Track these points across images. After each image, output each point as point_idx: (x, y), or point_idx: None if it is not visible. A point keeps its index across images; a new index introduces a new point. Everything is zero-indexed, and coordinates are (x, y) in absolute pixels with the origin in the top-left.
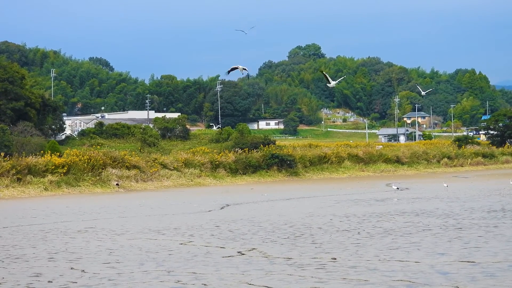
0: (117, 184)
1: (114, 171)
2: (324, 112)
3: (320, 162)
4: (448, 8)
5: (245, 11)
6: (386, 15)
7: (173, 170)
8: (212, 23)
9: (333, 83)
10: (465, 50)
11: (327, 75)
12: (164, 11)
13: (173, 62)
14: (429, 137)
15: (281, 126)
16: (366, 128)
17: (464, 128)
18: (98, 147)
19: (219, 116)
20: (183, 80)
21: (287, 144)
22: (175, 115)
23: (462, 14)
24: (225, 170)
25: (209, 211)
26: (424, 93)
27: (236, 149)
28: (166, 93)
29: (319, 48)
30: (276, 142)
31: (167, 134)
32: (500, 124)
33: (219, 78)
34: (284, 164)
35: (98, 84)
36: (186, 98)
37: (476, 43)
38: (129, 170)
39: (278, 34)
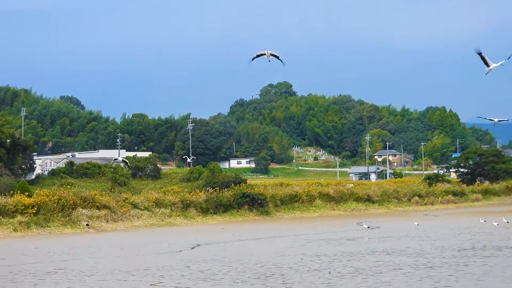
0: (87, 225)
1: (84, 211)
2: (296, 151)
3: (291, 201)
4: (419, 45)
5: (216, 50)
6: (357, 53)
7: (143, 210)
8: (183, 62)
9: (493, 66)
10: (435, 88)
11: (485, 57)
12: (135, 50)
13: (144, 101)
14: (400, 175)
15: (253, 165)
16: (337, 166)
17: (435, 166)
18: (69, 186)
19: (190, 154)
20: (155, 119)
21: (258, 183)
22: (146, 154)
23: (432, 52)
24: (196, 209)
25: (179, 251)
26: (497, 120)
27: (207, 188)
28: (137, 132)
29: (291, 86)
30: (247, 181)
31: (138, 173)
32: (471, 162)
33: (190, 116)
34: (255, 203)
35: (69, 123)
36: (158, 137)
37: (447, 80)
38: (99, 210)
39: (249, 72)
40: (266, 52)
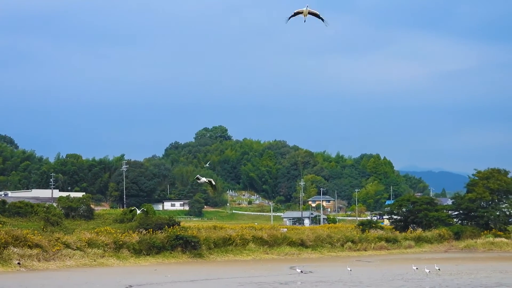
0: (18, 263)
1: (16, 250)
2: (230, 194)
3: (225, 244)
4: (354, 94)
5: (150, 92)
6: (292, 99)
7: (76, 249)
8: (118, 103)
9: None
10: (370, 136)
11: None
12: (69, 91)
13: (79, 141)
14: (333, 221)
15: (187, 207)
16: (271, 210)
17: (368, 213)
18: (0, 225)
19: (124, 196)
20: (89, 160)
21: (192, 225)
22: (80, 194)
23: (367, 100)
24: (129, 250)
25: None
26: None
27: (141, 230)
28: (71, 172)
29: (226, 130)
30: (181, 224)
31: (71, 213)
32: (404, 209)
33: (125, 157)
34: (189, 245)
35: (2, 162)
36: (91, 178)
37: (381, 129)
38: (31, 249)
39: (185, 115)
40: (304, 10)
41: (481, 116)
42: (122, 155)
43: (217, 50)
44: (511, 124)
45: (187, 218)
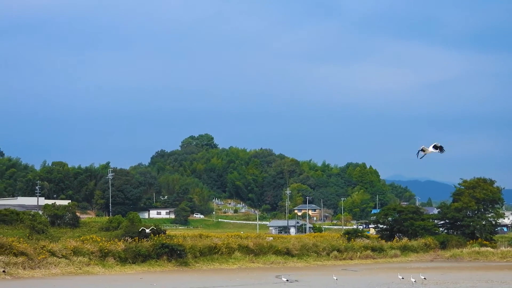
0: (4, 271)
1: (1, 257)
2: (216, 203)
3: (211, 252)
4: (341, 102)
5: (136, 100)
6: (279, 108)
7: (61, 257)
8: (104, 110)
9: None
10: (356, 145)
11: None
12: (55, 98)
13: (65, 149)
14: (319, 229)
15: (172, 216)
16: (257, 219)
17: (354, 222)
18: None
19: (110, 204)
20: (74, 167)
21: (178, 234)
22: (65, 202)
23: (354, 109)
24: (114, 258)
25: None
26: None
27: (126, 238)
28: (56, 179)
29: (212, 138)
30: (167, 232)
31: (56, 221)
32: (390, 218)
33: (110, 165)
34: (174, 253)
35: None
36: (77, 185)
37: (368, 138)
38: (16, 256)
39: (171, 123)
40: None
41: (467, 126)
42: (108, 163)
43: (204, 59)
44: (497, 133)
45: (173, 226)
